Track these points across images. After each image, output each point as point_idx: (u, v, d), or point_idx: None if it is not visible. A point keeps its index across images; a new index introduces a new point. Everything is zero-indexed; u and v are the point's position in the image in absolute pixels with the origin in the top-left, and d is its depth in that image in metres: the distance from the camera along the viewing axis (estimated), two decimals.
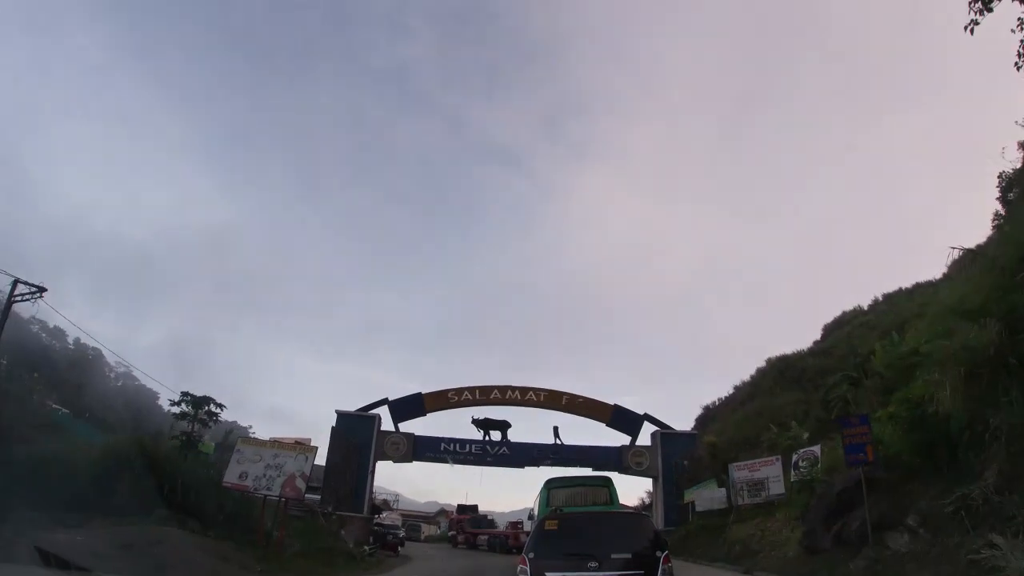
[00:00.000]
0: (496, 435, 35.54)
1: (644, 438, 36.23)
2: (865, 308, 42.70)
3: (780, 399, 34.97)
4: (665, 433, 35.80)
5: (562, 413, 36.88)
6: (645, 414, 36.51)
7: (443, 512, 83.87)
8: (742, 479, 26.56)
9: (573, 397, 36.57)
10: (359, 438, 34.10)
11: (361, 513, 32.77)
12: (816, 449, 22.36)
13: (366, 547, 28.43)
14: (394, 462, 35.34)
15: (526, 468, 35.34)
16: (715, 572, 19.59)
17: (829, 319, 46.34)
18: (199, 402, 26.24)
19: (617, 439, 36.07)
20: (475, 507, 51.22)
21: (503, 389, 36.44)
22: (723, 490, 28.94)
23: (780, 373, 40.22)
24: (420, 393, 36.21)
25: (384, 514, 44.91)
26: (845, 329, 40.02)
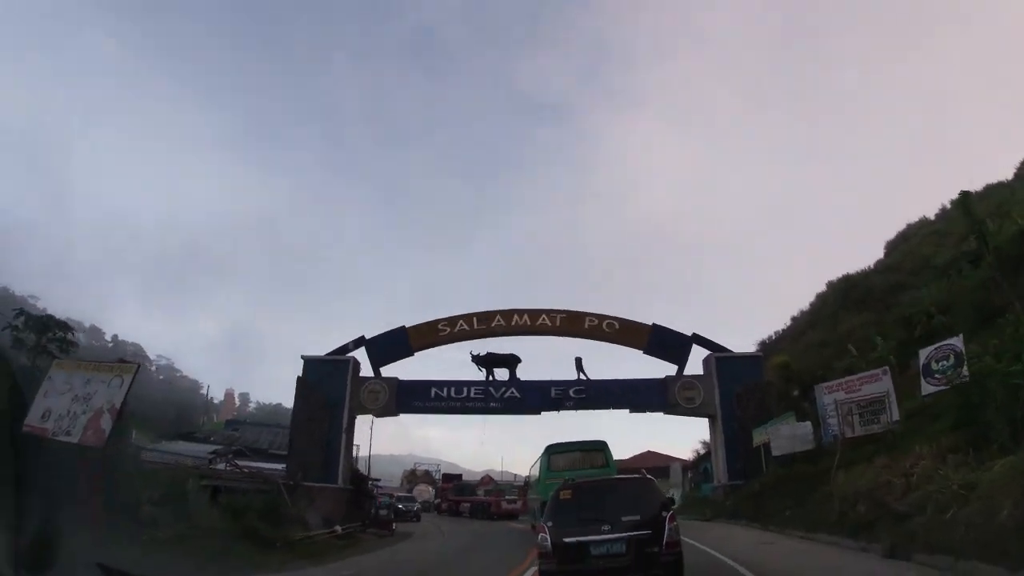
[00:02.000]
0: (502, 374, 27.88)
1: (694, 366, 27.91)
2: (932, 218, 39.20)
3: (846, 323, 29.75)
4: (722, 357, 27.29)
5: (586, 341, 28.85)
6: (694, 334, 28.04)
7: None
8: (839, 404, 18.11)
9: (600, 318, 28.33)
10: (331, 390, 27.06)
11: (335, 483, 25.87)
12: (957, 342, 14.51)
13: (338, 527, 22.01)
14: (374, 416, 28.29)
15: (543, 414, 27.62)
16: (826, 552, 11.55)
17: (891, 235, 42.66)
18: (43, 325, 19.04)
19: (658, 370, 27.85)
20: (459, 476, 53.04)
21: (507, 314, 28.52)
22: (807, 424, 20.64)
23: (843, 295, 35.63)
24: (404, 327, 28.74)
25: (379, 484, 38.04)
26: (912, 241, 37.01)
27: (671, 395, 26.72)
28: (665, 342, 27.90)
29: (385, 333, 28.67)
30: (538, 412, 27.42)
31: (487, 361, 27.90)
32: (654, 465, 47.79)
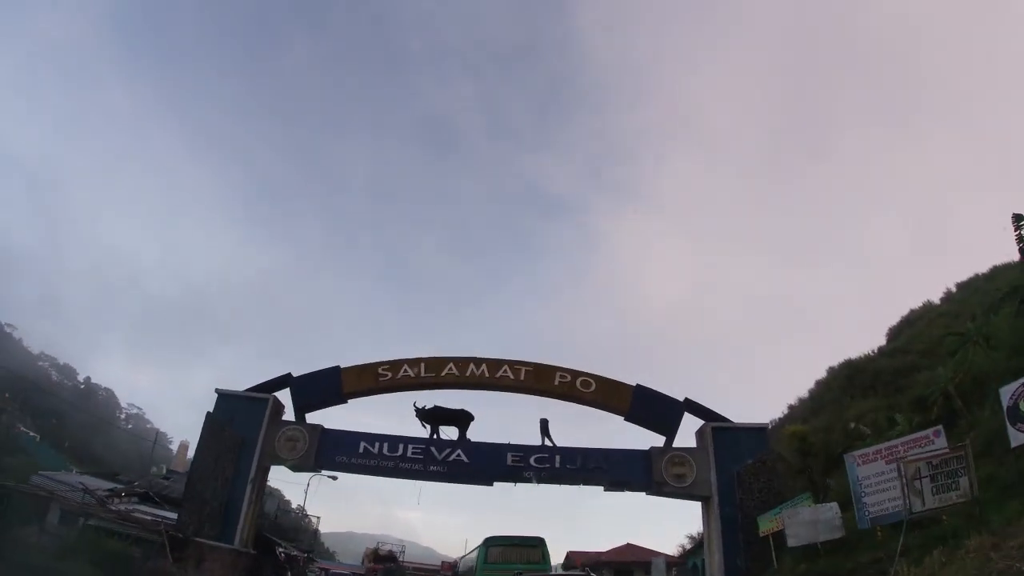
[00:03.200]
0: (450, 433, 22.74)
1: (685, 439, 22.94)
2: (937, 301, 37.50)
3: (853, 409, 25.95)
4: (720, 428, 22.36)
5: (555, 402, 23.95)
6: (686, 399, 23.25)
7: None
8: (904, 466, 13.33)
9: (573, 375, 23.55)
10: (244, 432, 21.93)
11: (231, 543, 20.34)
12: None
13: None
14: (290, 468, 22.70)
15: (496, 485, 22.10)
16: None
17: (894, 321, 40.06)
18: None
19: (642, 441, 22.85)
20: (392, 556, 48.73)
21: (462, 362, 23.73)
22: (833, 506, 15.67)
23: (847, 380, 32.83)
24: (338, 367, 23.84)
25: (288, 550, 31.32)
26: (918, 325, 34.89)
27: (657, 471, 21.50)
28: (651, 407, 23.03)
29: (315, 373, 23.74)
30: (489, 482, 21.92)
31: (433, 416, 22.84)
32: (634, 560, 41.46)
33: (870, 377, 31.01)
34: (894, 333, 39.51)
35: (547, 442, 22.28)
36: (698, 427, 23.00)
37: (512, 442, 22.21)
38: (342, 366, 23.89)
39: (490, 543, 18.84)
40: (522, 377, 23.40)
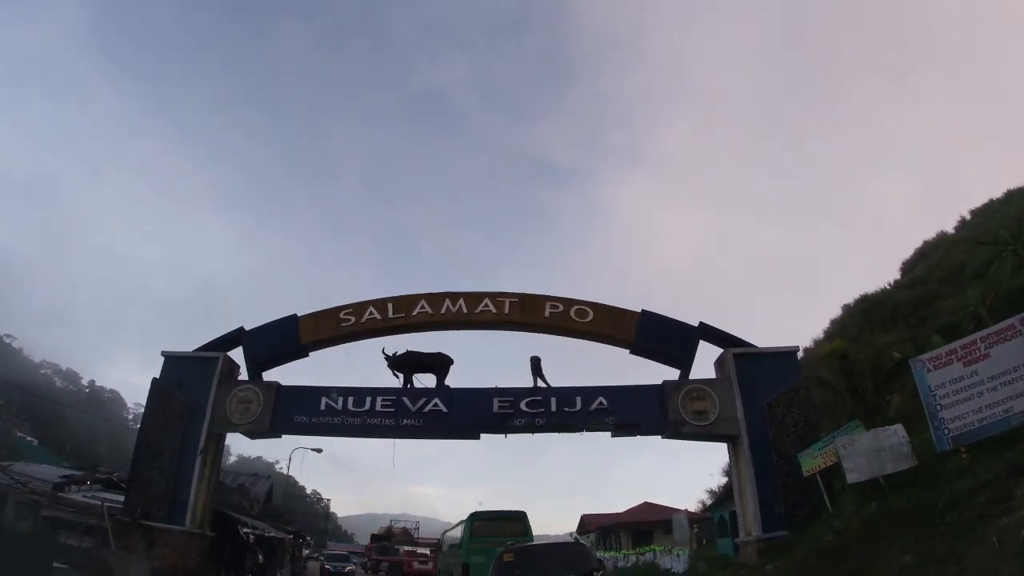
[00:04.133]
0: (426, 382, 19.40)
1: (702, 369, 19.53)
2: (951, 231, 35.82)
3: (876, 343, 22.97)
4: (744, 354, 18.89)
5: (548, 338, 20.57)
6: (702, 324, 19.71)
7: None
8: (956, 386, 10.00)
9: (566, 303, 19.99)
10: (194, 396, 18.81)
11: (182, 524, 17.43)
12: None
13: None
14: (245, 434, 19.53)
15: (483, 437, 18.78)
16: None
17: (907, 254, 38.25)
18: None
19: (651, 375, 19.38)
20: (389, 535, 49.72)
21: (436, 299, 20.22)
22: (897, 429, 12.33)
23: (865, 316, 31.26)
24: (295, 316, 20.47)
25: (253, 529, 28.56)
26: (933, 256, 33.44)
27: (673, 408, 18.07)
28: (660, 335, 19.52)
29: (269, 324, 20.41)
30: (475, 435, 18.62)
31: (406, 363, 19.49)
32: (654, 519, 38.97)
33: (889, 311, 29.26)
34: (909, 266, 37.17)
35: (540, 384, 18.90)
36: (716, 357, 19.57)
37: (499, 386, 18.85)
38: (300, 315, 20.52)
39: (475, 518, 18.80)
40: (506, 310, 19.88)
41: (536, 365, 19.11)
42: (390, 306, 20.16)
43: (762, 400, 17.82)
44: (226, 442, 21.79)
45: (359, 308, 20.28)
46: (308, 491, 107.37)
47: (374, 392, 18.71)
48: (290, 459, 35.12)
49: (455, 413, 18.31)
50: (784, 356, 19.18)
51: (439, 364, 19.34)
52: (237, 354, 20.22)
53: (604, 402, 18.23)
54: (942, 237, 36.34)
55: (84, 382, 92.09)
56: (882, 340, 24.04)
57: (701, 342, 19.56)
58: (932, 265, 32.20)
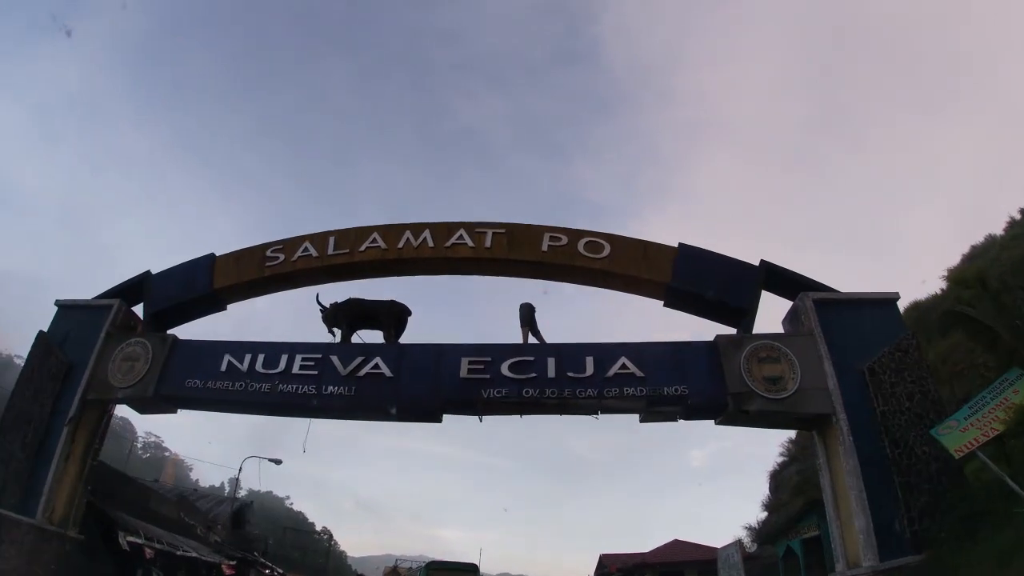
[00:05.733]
0: (370, 337, 13.81)
1: (767, 322, 13.62)
2: (1001, 232, 31.34)
3: (935, 351, 19.23)
4: (828, 301, 12.93)
5: (546, 284, 14.90)
6: (763, 262, 13.76)
7: None
8: None
9: (572, 235, 14.22)
10: (79, 354, 13.86)
11: (33, 517, 12.25)
12: None
13: None
14: (126, 402, 13.99)
15: (446, 419, 12.87)
16: None
17: (953, 262, 32.64)
18: None
19: (691, 332, 13.43)
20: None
21: (393, 232, 14.69)
22: None
23: (916, 324, 23.64)
24: (212, 255, 15.24)
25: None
26: (989, 255, 28.42)
27: (732, 374, 12.04)
28: (707, 277, 13.61)
29: (181, 265, 15.26)
30: (433, 415, 12.66)
31: (347, 314, 13.94)
32: (685, 559, 32.20)
33: (952, 317, 23.59)
34: (956, 273, 31.25)
35: (530, 339, 13.15)
36: (788, 309, 13.58)
37: (473, 341, 13.12)
38: (218, 254, 15.30)
39: (431, 567, 19.79)
40: (488, 244, 14.23)
41: (528, 314, 13.41)
42: (331, 240, 14.74)
43: (858, 363, 11.81)
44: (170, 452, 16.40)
45: (291, 244, 14.92)
46: (318, 528, 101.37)
47: (293, 349, 13.07)
48: (239, 470, 29.35)
49: (404, 379, 12.48)
50: (881, 305, 13.04)
51: (391, 314, 13.74)
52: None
53: (629, 364, 12.25)
54: (990, 241, 31.30)
55: None
56: (942, 345, 19.53)
57: (764, 294, 13.65)
58: (986, 266, 26.91)
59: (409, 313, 13.87)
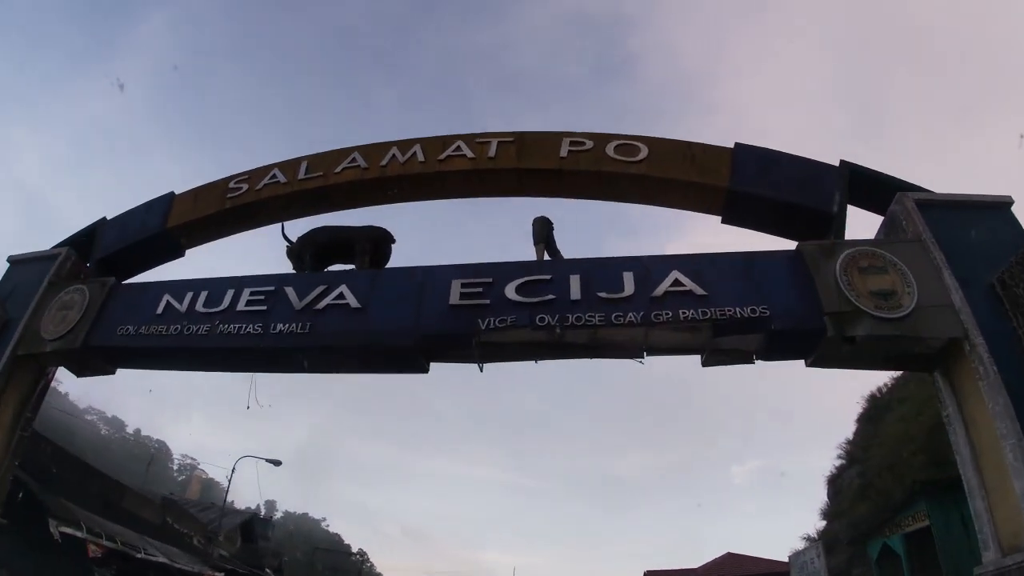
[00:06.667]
0: (347, 269, 11.04)
1: (858, 228, 10.32)
2: None
3: None
4: (932, 202, 9.65)
5: (567, 203, 11.93)
6: (843, 162, 10.46)
7: None
8: None
9: (600, 139, 11.08)
10: (17, 307, 11.47)
11: None
12: None
13: None
14: (54, 358, 11.32)
15: (447, 363, 9.91)
16: None
17: None
18: None
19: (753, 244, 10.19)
20: None
21: (375, 151, 11.88)
22: None
23: None
24: (172, 193, 12.79)
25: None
26: None
27: (828, 289, 8.77)
28: (775, 180, 10.44)
29: (136, 207, 12.89)
30: (411, 360, 9.56)
31: (314, 243, 11.24)
32: (742, 574, 28.93)
33: None
34: None
35: (546, 257, 10.19)
36: (887, 216, 10.28)
37: (477, 261, 10.19)
38: (177, 193, 12.89)
39: None
40: (492, 154, 11.38)
41: (544, 229, 10.46)
42: (304, 165, 12.10)
43: (984, 276, 8.53)
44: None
45: (258, 173, 12.33)
46: (355, 549, 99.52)
47: (240, 283, 10.29)
48: (232, 471, 26.70)
49: (374, 310, 9.56)
50: (993, 210, 9.64)
51: (369, 242, 10.95)
52: None
53: (684, 280, 9.09)
54: None
55: (130, 430, 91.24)
56: None
57: (850, 196, 10.40)
58: None
59: (392, 240, 11.08)
